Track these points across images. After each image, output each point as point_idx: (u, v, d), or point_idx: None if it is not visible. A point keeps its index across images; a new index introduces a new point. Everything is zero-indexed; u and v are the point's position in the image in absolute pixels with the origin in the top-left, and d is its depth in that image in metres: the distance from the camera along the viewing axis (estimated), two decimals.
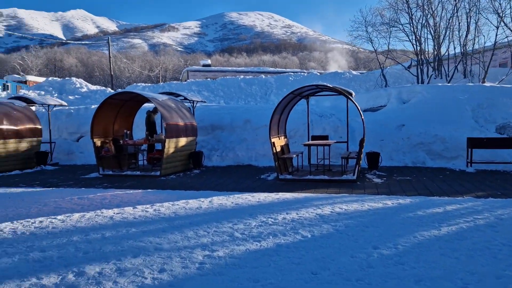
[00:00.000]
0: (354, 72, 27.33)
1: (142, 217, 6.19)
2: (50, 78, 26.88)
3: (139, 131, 16.47)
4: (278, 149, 10.66)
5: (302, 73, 26.95)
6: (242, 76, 26.42)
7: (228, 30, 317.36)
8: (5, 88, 39.82)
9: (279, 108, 10.52)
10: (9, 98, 15.08)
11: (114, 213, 6.50)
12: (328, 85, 10.34)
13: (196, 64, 75.50)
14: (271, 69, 47.28)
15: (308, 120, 13.25)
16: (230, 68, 46.28)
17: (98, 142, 11.73)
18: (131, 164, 12.78)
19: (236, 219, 5.98)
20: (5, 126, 12.74)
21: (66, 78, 27.39)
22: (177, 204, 7.11)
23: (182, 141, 12.10)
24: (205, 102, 15.15)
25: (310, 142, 10.88)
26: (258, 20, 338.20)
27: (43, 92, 24.93)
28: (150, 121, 13.11)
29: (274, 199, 7.57)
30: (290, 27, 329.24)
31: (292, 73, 27.03)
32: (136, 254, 4.49)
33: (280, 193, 8.28)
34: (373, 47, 23.27)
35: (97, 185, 9.90)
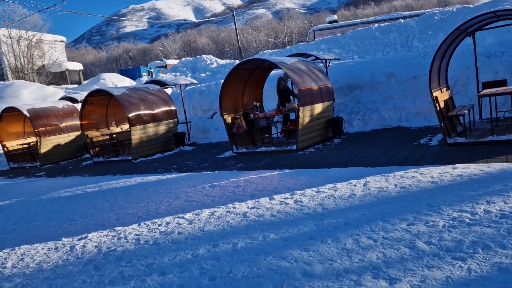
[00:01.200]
0: None
1: (282, 214, 4.85)
2: (183, 59, 27.84)
3: (270, 101, 15.40)
4: (442, 104, 8.25)
5: (449, 10, 22.47)
6: (376, 25, 23.27)
7: None
8: (149, 74, 43.49)
9: (440, 50, 8.03)
10: (144, 83, 15.44)
11: (248, 207, 5.32)
12: None
13: (321, 22, 72.07)
14: (407, 12, 41.74)
15: (476, 63, 10.27)
16: (359, 20, 42.29)
17: (229, 119, 10.91)
18: (265, 139, 11.74)
19: (410, 215, 4.20)
20: (143, 111, 12.89)
21: (197, 56, 28.02)
22: (323, 191, 5.60)
23: (318, 107, 10.49)
24: (338, 59, 13.19)
25: (489, 91, 8.15)
26: None
27: (178, 73, 25.87)
28: (281, 88, 11.78)
29: (454, 176, 5.48)
30: None
31: (437, 11, 22.75)
32: (277, 285, 3.12)
33: (458, 165, 6.10)
34: None
35: (231, 166, 9.04)
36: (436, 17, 21.65)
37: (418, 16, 24.98)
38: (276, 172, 7.42)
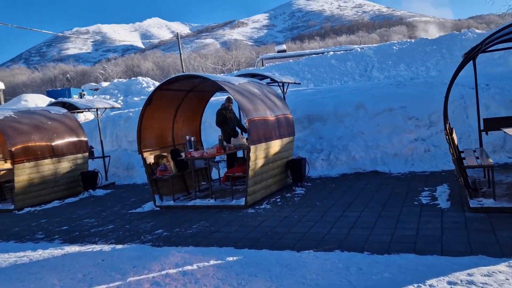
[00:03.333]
0: (477, 31, 20.89)
1: None
2: (115, 80, 24.31)
3: (212, 132, 12.46)
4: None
5: (408, 41, 21.17)
6: (331, 53, 21.42)
7: (296, 19, 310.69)
8: (81, 96, 39.04)
9: (455, 75, 5.57)
10: (47, 105, 11.91)
11: None
12: None
13: (269, 53, 71.27)
14: (356, 46, 41.29)
15: (477, 93, 8.01)
16: (309, 51, 41.16)
17: (151, 157, 7.76)
18: (202, 184, 8.67)
19: None
20: (34, 143, 9.37)
21: (132, 78, 24.64)
22: None
23: (275, 145, 7.68)
24: (299, 83, 10.61)
25: None
26: (327, 4, 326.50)
27: (108, 96, 22.29)
28: (223, 118, 8.89)
29: None
30: (361, 7, 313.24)
31: (395, 42, 21.38)
32: None
33: None
34: None
35: (145, 234, 5.87)
36: (395, 47, 20.16)
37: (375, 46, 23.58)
38: (212, 262, 4.33)
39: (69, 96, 38.99)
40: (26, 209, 9.00)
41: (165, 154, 7.99)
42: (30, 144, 9.30)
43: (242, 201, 6.94)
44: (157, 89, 7.46)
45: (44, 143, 9.65)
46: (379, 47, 20.88)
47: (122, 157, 13.10)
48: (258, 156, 7.03)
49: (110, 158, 12.55)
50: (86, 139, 10.79)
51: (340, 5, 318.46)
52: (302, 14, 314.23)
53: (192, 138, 7.57)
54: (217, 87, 8.83)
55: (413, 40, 21.00)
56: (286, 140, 8.18)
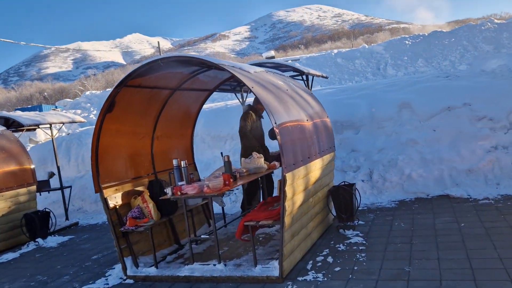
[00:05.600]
0: (497, 21, 18.57)
1: None
2: (87, 92, 21.22)
3: (205, 148, 9.58)
4: None
5: (421, 35, 18.73)
6: (336, 51, 18.80)
7: (277, 30, 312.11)
8: None
9: None
10: None
11: None
12: None
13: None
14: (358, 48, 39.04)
15: None
16: (299, 56, 38.77)
17: (117, 197, 4.79)
18: (200, 231, 5.72)
19: None
20: None
21: (107, 89, 21.60)
22: None
23: (316, 167, 4.81)
24: (326, 77, 7.79)
25: None
26: (307, 15, 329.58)
27: (79, 111, 19.22)
28: (252, 125, 5.96)
29: None
30: (341, 16, 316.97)
31: (406, 36, 18.90)
32: None
33: None
34: None
35: None
36: (407, 42, 17.65)
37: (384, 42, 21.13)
38: None
39: None
40: None
41: (140, 189, 5.03)
42: None
43: (273, 269, 4.01)
44: (122, 84, 4.51)
45: None
46: (389, 42, 18.36)
47: (89, 186, 10.09)
48: (296, 189, 4.14)
49: (73, 189, 9.58)
50: (32, 166, 7.74)
51: (320, 15, 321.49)
52: (282, 25, 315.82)
53: (183, 163, 4.62)
54: (216, 83, 5.94)
55: (426, 34, 18.57)
56: (327, 158, 5.32)
